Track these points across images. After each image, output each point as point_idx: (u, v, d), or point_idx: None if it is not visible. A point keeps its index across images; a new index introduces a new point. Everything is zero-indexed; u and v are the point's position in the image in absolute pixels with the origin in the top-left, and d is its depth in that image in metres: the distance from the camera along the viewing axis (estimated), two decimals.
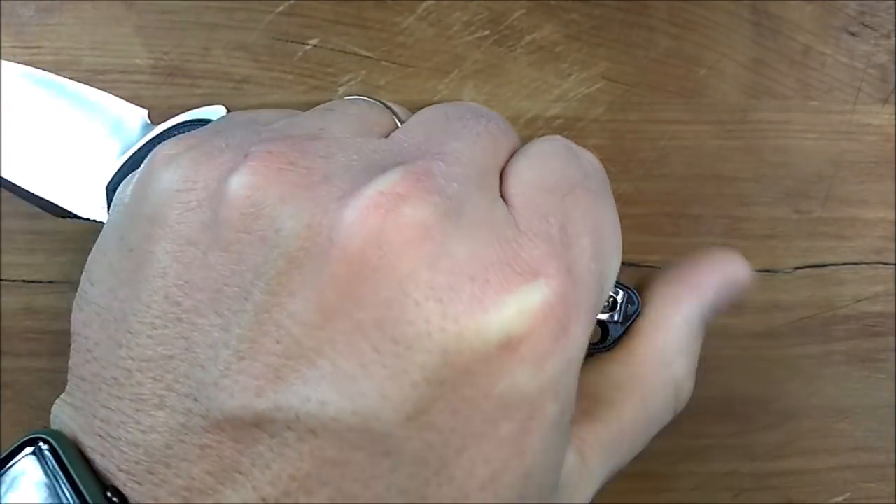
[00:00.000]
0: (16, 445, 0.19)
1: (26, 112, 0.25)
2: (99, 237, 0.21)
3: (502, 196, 0.20)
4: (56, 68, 0.27)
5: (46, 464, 0.19)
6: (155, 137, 0.25)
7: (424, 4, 0.29)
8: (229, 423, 0.17)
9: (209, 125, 0.23)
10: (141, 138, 0.25)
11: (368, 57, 0.29)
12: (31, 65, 0.27)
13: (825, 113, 0.31)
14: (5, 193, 0.27)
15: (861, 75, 0.31)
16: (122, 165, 0.24)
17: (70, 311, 0.28)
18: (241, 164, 0.19)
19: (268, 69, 0.28)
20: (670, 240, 0.30)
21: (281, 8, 0.28)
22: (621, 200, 0.30)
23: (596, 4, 0.30)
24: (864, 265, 0.31)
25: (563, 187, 0.20)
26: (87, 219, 0.25)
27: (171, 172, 0.19)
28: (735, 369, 0.30)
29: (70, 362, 0.21)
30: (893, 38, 0.31)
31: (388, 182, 0.18)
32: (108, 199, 0.24)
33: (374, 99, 0.23)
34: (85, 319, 0.21)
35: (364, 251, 0.17)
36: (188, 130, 0.23)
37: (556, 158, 0.21)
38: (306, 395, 0.17)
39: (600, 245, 0.20)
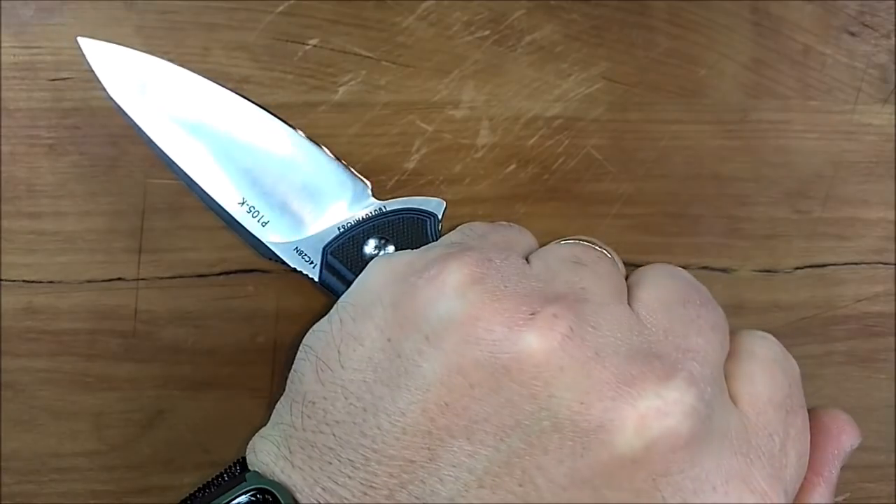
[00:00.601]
0: (232, 481, 0.21)
1: (259, 148, 0.27)
2: (351, 321, 0.23)
3: (730, 397, 0.22)
4: (56, 68, 0.27)
5: None
6: (379, 215, 0.27)
7: (424, 4, 0.29)
8: None
9: (475, 244, 0.25)
10: (362, 210, 0.27)
11: (368, 57, 0.29)
12: (31, 65, 0.27)
13: (825, 113, 0.31)
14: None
15: (861, 75, 0.31)
16: (342, 234, 0.26)
17: (70, 311, 0.28)
18: (529, 324, 0.21)
19: (268, 69, 0.28)
20: (670, 240, 0.30)
21: (281, 8, 0.28)
22: (621, 200, 0.30)
23: (596, 4, 0.30)
24: (864, 265, 0.31)
25: (787, 405, 0.22)
26: (294, 269, 0.27)
27: (456, 303, 0.21)
28: None
29: (293, 419, 0.22)
30: (893, 38, 0.31)
31: (666, 389, 0.20)
32: (322, 260, 0.26)
33: (601, 247, 0.25)
34: (328, 395, 0.22)
35: (631, 447, 0.19)
36: (411, 218, 0.27)
37: (781, 370, 0.23)
38: None
39: (803, 461, 0.22)
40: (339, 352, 0.22)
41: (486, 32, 0.29)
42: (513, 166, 0.29)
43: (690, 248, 0.30)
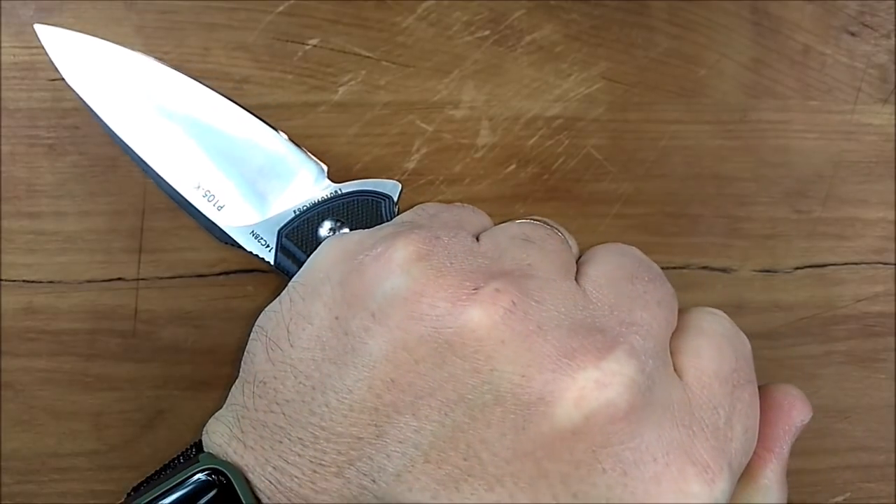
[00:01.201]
0: (186, 462, 0.22)
1: (216, 132, 0.27)
2: (300, 300, 0.23)
3: (676, 370, 0.22)
4: (56, 68, 0.27)
5: (223, 495, 0.21)
6: (334, 198, 0.27)
7: (424, 4, 0.29)
8: None
9: (425, 222, 0.25)
10: (317, 193, 0.27)
11: (368, 57, 0.29)
12: (31, 65, 0.27)
13: (825, 113, 0.31)
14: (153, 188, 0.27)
15: (861, 75, 0.31)
16: (297, 216, 0.26)
17: (70, 311, 0.28)
18: (471, 299, 0.21)
19: (268, 69, 0.28)
20: (670, 240, 0.30)
21: (281, 8, 0.28)
22: (621, 200, 0.30)
23: (596, 4, 0.30)
24: (864, 265, 0.31)
25: (734, 380, 0.22)
26: (250, 252, 0.27)
27: (401, 279, 0.21)
28: None
29: (245, 400, 0.22)
30: (893, 38, 0.31)
31: (605, 362, 0.20)
32: (277, 243, 0.26)
33: (552, 226, 0.25)
34: (277, 374, 0.22)
35: (571, 419, 0.20)
36: (366, 200, 0.27)
37: (729, 345, 0.23)
38: None
39: (751, 435, 0.22)
40: (288, 331, 0.22)
41: (486, 32, 0.29)
42: (513, 166, 0.29)
43: (690, 248, 0.30)
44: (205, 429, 0.23)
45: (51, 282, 0.28)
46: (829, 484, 0.31)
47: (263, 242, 0.27)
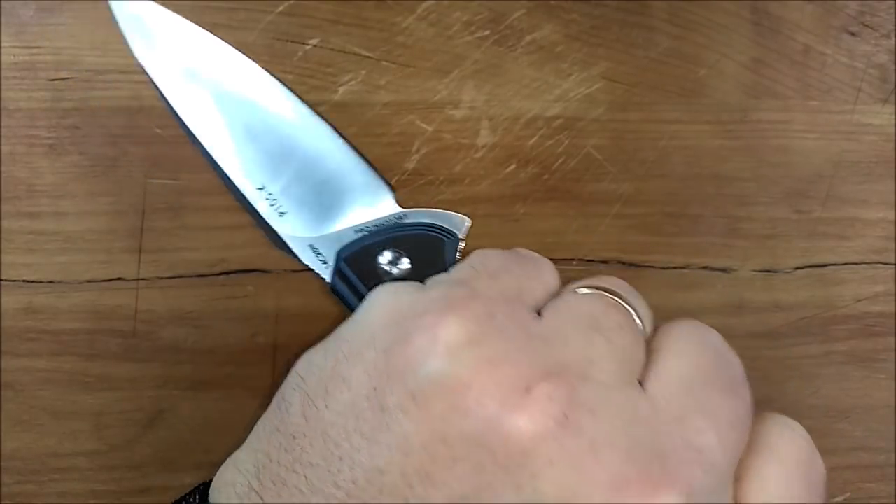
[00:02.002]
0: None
1: (287, 135, 0.26)
2: (344, 360, 0.22)
3: (737, 496, 0.20)
4: (56, 68, 0.27)
5: None
6: (398, 226, 0.26)
7: (424, 4, 0.29)
8: None
9: (482, 288, 0.22)
10: (382, 215, 0.26)
11: (368, 57, 0.29)
12: (31, 65, 0.27)
13: (825, 113, 0.31)
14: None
15: (861, 75, 0.31)
16: (358, 239, 0.26)
17: (70, 311, 0.28)
18: (521, 404, 0.19)
19: (268, 69, 0.28)
20: (670, 240, 0.30)
21: (281, 8, 0.28)
22: (621, 200, 0.30)
23: (596, 4, 0.30)
24: (864, 265, 0.31)
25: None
26: (305, 265, 0.26)
27: (448, 365, 0.20)
28: None
29: (270, 449, 0.21)
30: (893, 38, 0.31)
31: (658, 499, 0.18)
32: (335, 264, 0.26)
33: (625, 299, 0.22)
34: (308, 433, 0.21)
35: None
36: (431, 234, 0.26)
37: (803, 477, 0.21)
38: None
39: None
40: (326, 391, 0.21)
41: (486, 32, 0.29)
42: (513, 166, 0.29)
43: (690, 248, 0.30)
44: (220, 472, 0.22)
45: (51, 282, 0.28)
46: (829, 484, 0.31)
47: (321, 258, 0.26)
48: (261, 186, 0.26)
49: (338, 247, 0.26)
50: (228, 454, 0.23)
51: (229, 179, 0.26)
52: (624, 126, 0.30)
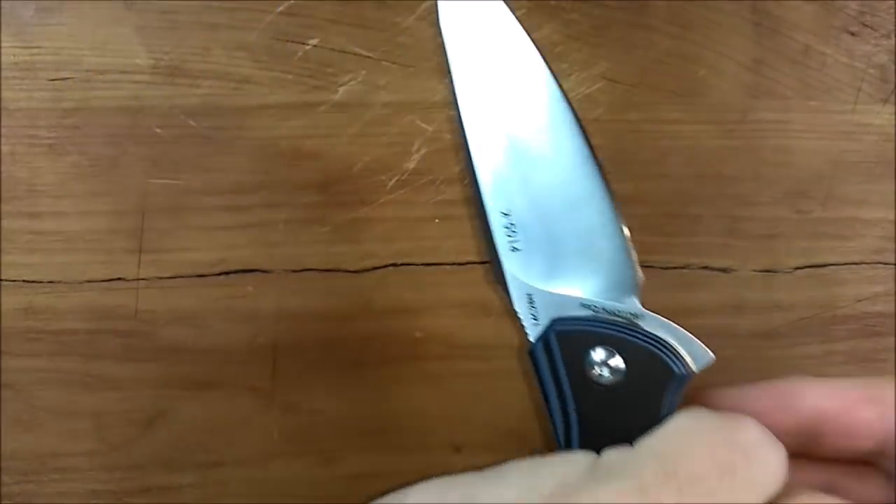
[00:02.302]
0: None
1: (556, 173, 0.23)
2: None
3: None
4: (56, 68, 0.27)
5: None
6: (626, 325, 0.23)
7: (424, 4, 0.29)
8: None
9: None
10: (616, 302, 0.23)
11: (368, 57, 0.29)
12: (31, 65, 0.27)
13: (825, 113, 0.31)
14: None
15: (861, 75, 0.31)
16: (581, 318, 0.23)
17: (70, 311, 0.28)
18: None
19: (268, 69, 0.28)
20: (670, 240, 0.30)
21: (281, 8, 0.28)
22: (621, 200, 0.30)
23: (596, 4, 0.30)
24: (864, 265, 0.31)
25: None
26: (515, 313, 0.24)
27: None
28: (735, 369, 0.30)
29: None
30: (893, 38, 0.31)
31: None
32: (545, 330, 0.23)
33: None
34: None
35: None
36: (657, 352, 0.22)
37: None
38: None
39: None
40: None
41: None
42: None
43: (690, 248, 0.30)
44: None
45: (51, 282, 0.28)
46: None
47: (534, 314, 0.24)
48: (506, 212, 0.24)
49: (556, 313, 0.23)
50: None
51: (478, 190, 0.24)
52: (624, 126, 0.30)
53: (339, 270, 0.29)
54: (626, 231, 0.24)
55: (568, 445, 0.23)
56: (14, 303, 0.28)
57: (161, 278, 0.28)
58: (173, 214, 0.28)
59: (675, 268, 0.30)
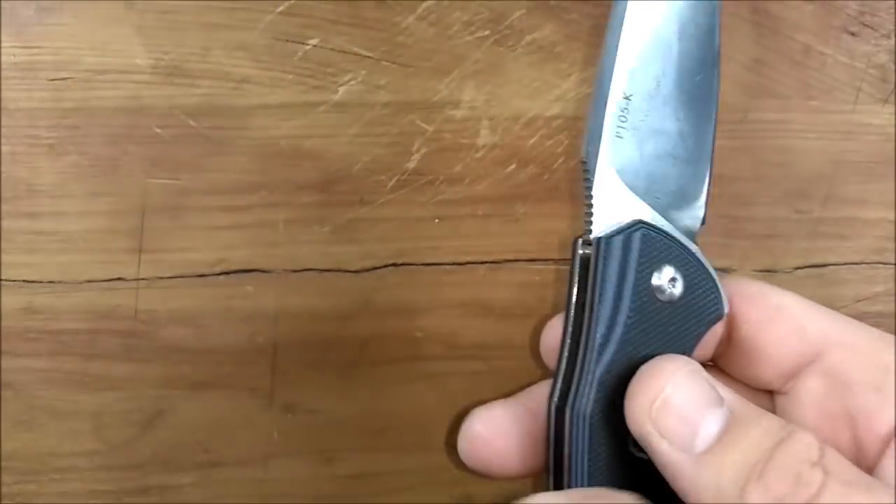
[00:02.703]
0: None
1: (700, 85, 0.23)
2: None
3: None
4: (56, 68, 0.27)
5: None
6: (694, 257, 0.23)
7: (424, 4, 0.29)
8: None
9: None
10: (689, 233, 0.24)
11: (368, 57, 0.29)
12: (31, 65, 0.27)
13: (825, 113, 0.31)
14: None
15: (861, 75, 0.31)
16: (655, 232, 0.23)
17: (70, 311, 0.28)
18: None
19: (268, 69, 0.28)
20: None
21: (281, 8, 0.28)
22: None
23: (596, 4, 0.29)
24: (864, 265, 0.31)
25: None
26: (589, 203, 0.24)
27: None
28: None
29: None
30: (893, 38, 0.31)
31: None
32: (615, 230, 0.23)
33: None
34: None
35: None
36: (710, 294, 0.23)
37: None
38: None
39: None
40: None
41: (486, 32, 0.29)
42: (513, 166, 0.29)
43: None
44: None
45: (51, 282, 0.28)
46: None
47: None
48: (629, 96, 0.23)
49: (631, 215, 0.23)
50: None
51: (609, 70, 0.23)
52: None
53: (338, 270, 0.29)
54: (712, 168, 0.24)
55: (594, 353, 0.23)
56: (14, 303, 0.28)
57: (161, 278, 0.28)
58: (173, 214, 0.28)
59: None
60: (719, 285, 0.23)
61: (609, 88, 0.23)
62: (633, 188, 0.23)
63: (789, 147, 0.31)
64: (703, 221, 0.24)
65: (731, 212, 0.30)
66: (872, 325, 0.31)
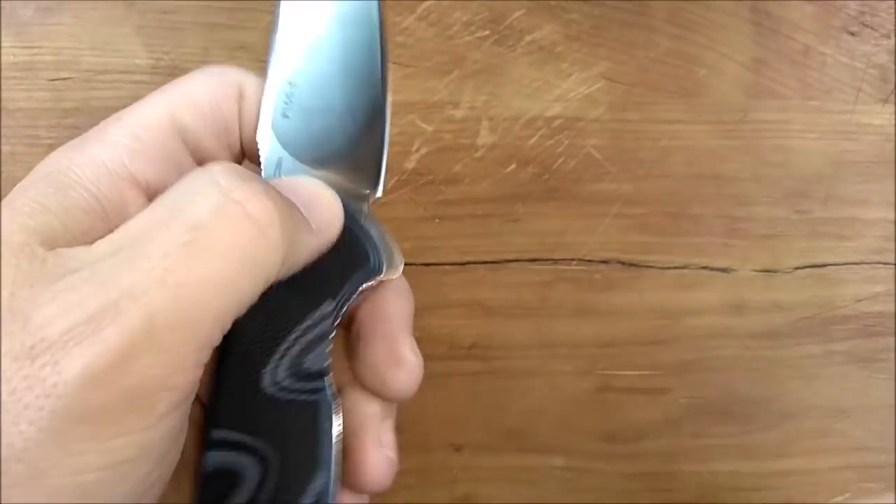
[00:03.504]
0: None
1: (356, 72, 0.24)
2: None
3: None
4: (56, 68, 0.27)
5: None
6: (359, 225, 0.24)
7: (424, 4, 0.29)
8: None
9: None
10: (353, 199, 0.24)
11: None
12: (31, 65, 0.27)
13: (825, 113, 0.31)
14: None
15: (861, 75, 0.31)
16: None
17: None
18: None
19: None
20: (670, 240, 0.30)
21: None
22: (621, 200, 0.30)
23: (596, 4, 0.30)
24: (864, 265, 0.31)
25: None
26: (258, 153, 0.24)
27: None
28: (735, 369, 0.30)
29: None
30: (893, 38, 0.31)
31: None
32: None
33: None
34: None
35: None
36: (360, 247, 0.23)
37: None
38: None
39: None
40: None
41: (486, 32, 0.29)
42: (513, 166, 0.29)
43: (690, 248, 0.30)
44: None
45: None
46: (829, 484, 0.31)
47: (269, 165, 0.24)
48: (293, 81, 0.24)
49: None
50: None
51: (273, 49, 0.24)
52: (624, 126, 0.30)
53: None
54: (388, 139, 0.25)
55: None
56: None
57: None
58: None
59: (675, 268, 0.30)
60: (379, 246, 0.24)
61: (270, 76, 0.24)
62: (304, 162, 0.24)
63: (789, 147, 0.31)
64: (385, 188, 0.25)
65: (731, 212, 0.30)
66: (872, 326, 0.31)
